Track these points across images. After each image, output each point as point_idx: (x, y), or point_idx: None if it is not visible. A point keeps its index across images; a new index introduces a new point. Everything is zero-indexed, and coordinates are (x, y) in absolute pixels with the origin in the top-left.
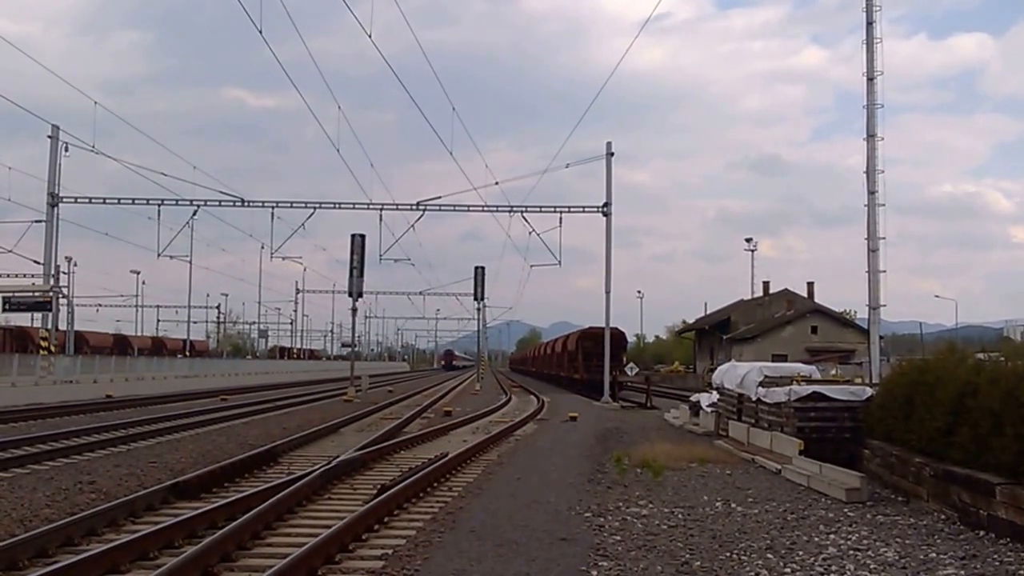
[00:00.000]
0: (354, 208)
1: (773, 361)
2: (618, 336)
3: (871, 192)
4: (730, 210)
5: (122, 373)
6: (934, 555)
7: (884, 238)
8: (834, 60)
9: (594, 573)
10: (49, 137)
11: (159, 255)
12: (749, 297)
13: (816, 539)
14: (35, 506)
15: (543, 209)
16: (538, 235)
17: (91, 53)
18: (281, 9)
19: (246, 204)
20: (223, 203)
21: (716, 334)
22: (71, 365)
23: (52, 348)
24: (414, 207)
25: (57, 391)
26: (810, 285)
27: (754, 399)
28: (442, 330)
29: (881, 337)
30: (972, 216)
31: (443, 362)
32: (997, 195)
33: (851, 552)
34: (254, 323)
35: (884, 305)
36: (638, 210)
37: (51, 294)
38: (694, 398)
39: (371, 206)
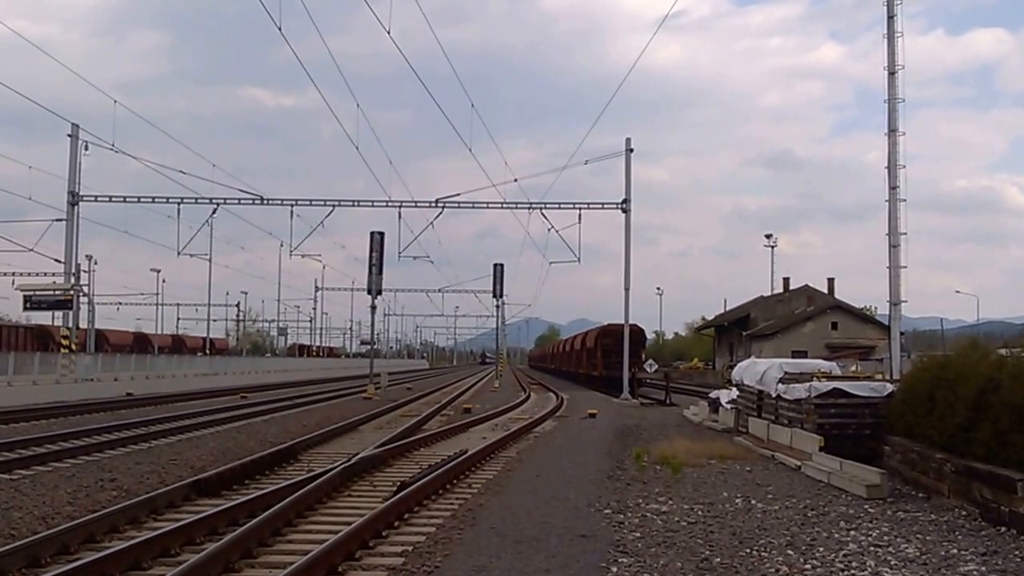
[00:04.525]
0: (373, 206)
1: (793, 357)
2: (637, 333)
3: (892, 187)
4: (747, 207)
5: (142, 371)
6: (955, 551)
7: (905, 233)
8: (852, 56)
9: (614, 570)
10: (69, 136)
11: (179, 253)
12: (768, 293)
13: (836, 535)
14: (57, 503)
15: (562, 206)
16: (557, 232)
17: (111, 53)
18: (299, 8)
19: (265, 202)
20: (242, 201)
21: (735, 330)
22: (92, 363)
23: (73, 346)
24: (433, 204)
25: (78, 389)
26: (830, 281)
27: (774, 395)
28: (461, 328)
29: (902, 333)
30: (990, 211)
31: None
32: (1014, 190)
33: (872, 548)
34: (273, 321)
35: (905, 301)
36: (655, 207)
37: (72, 293)
38: (713, 395)
39: (390, 203)
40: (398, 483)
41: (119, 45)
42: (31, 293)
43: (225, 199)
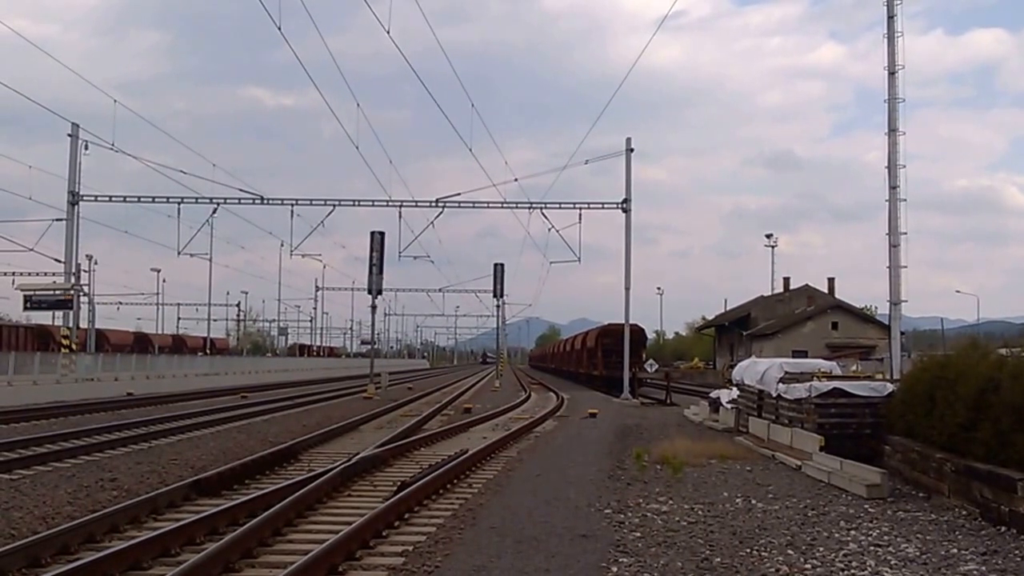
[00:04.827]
0: (373, 205)
1: (793, 357)
2: (637, 332)
3: (892, 187)
4: (747, 206)
5: (143, 371)
6: (955, 551)
7: (905, 233)
8: (852, 56)
9: (614, 569)
10: (69, 136)
11: (179, 253)
12: (768, 293)
13: (837, 535)
14: (57, 503)
15: (562, 206)
16: (557, 232)
17: (111, 53)
18: (299, 8)
19: (265, 202)
20: (242, 201)
21: (736, 330)
22: (92, 363)
23: (73, 346)
24: (433, 204)
25: (78, 389)
26: (831, 281)
27: (774, 395)
28: (461, 327)
29: (902, 333)
30: (991, 211)
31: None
32: (1013, 190)
33: (872, 548)
34: (274, 321)
35: (905, 301)
36: (655, 207)
37: (72, 292)
38: (714, 394)
39: (390, 203)
40: (398, 483)
41: (119, 45)
42: (31, 293)
43: (225, 199)
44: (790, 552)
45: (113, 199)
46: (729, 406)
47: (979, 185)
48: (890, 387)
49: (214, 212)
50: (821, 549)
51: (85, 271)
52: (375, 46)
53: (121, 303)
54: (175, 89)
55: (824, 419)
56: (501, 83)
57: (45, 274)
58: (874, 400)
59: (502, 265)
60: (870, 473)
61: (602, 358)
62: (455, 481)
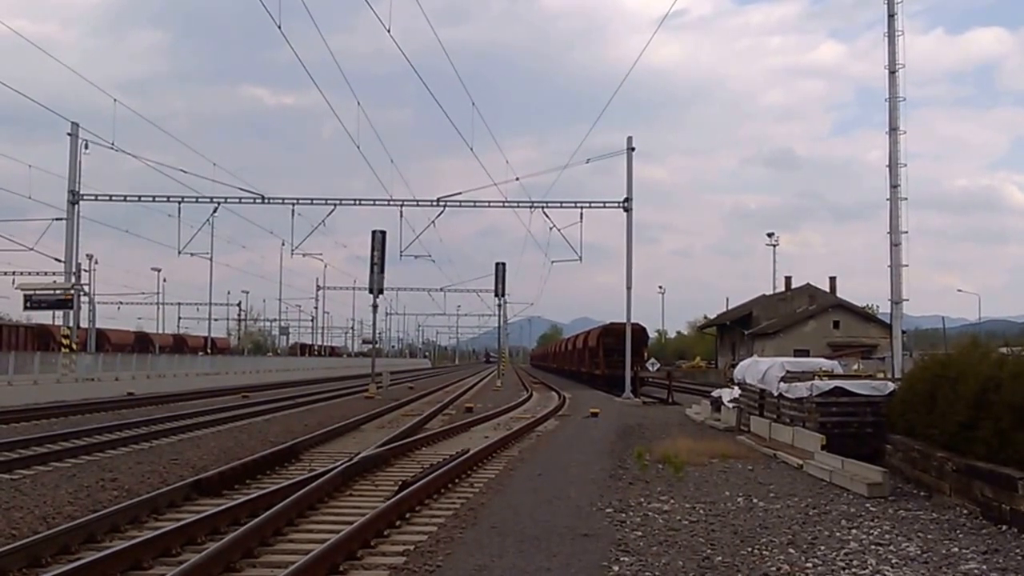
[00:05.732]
0: (374, 204)
1: (795, 356)
2: (639, 332)
3: (894, 186)
4: (747, 205)
5: (144, 371)
6: (956, 549)
7: (907, 232)
8: (852, 55)
9: (615, 568)
10: (69, 135)
11: (180, 252)
12: (770, 292)
13: (838, 534)
14: (58, 503)
15: (564, 205)
16: (559, 231)
17: (110, 53)
18: (299, 7)
19: (266, 201)
20: (243, 200)
21: (737, 329)
22: (93, 363)
23: (74, 346)
24: (434, 203)
25: (79, 389)
26: (832, 280)
27: (776, 394)
28: (463, 327)
29: (904, 332)
30: (991, 210)
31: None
32: (1013, 188)
33: (873, 547)
34: (275, 320)
35: (907, 299)
36: (656, 206)
37: (72, 292)
38: (715, 393)
39: (391, 202)
40: (400, 482)
41: (119, 44)
42: (31, 292)
43: (226, 198)
44: (791, 551)
45: (113, 198)
46: (731, 405)
47: (979, 184)
48: (891, 386)
49: (215, 211)
50: (822, 548)
51: (85, 270)
52: (376, 45)
53: (122, 303)
54: (175, 89)
55: (826, 418)
56: (502, 82)
57: (45, 274)
58: (875, 399)
59: (503, 264)
60: (871, 472)
61: (604, 357)
62: (456, 480)
